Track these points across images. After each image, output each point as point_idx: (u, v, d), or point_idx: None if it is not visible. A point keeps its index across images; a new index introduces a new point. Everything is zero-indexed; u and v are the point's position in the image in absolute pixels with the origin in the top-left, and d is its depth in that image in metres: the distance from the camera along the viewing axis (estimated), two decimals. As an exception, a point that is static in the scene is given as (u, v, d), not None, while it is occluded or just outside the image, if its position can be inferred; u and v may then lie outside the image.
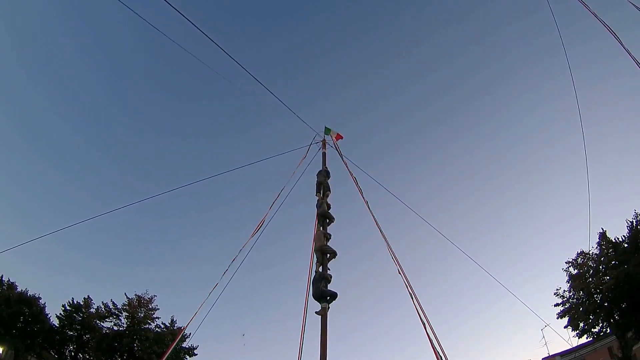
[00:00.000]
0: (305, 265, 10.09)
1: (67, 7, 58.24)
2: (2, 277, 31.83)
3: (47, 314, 32.45)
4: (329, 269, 9.22)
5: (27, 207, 58.41)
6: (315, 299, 8.68)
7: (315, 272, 9.17)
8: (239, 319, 55.76)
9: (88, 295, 33.39)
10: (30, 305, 31.29)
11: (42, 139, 63.13)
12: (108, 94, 67.73)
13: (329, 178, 11.00)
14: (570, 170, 56.39)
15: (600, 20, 10.60)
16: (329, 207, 10.54)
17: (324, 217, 10.32)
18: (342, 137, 12.14)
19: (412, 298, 8.26)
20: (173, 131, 72.72)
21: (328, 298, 8.61)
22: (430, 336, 7.72)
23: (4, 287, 31.51)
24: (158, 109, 71.57)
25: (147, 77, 70.71)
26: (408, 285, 8.46)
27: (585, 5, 10.59)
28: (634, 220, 27.58)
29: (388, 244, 8.81)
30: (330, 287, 8.83)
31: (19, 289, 31.84)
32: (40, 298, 32.36)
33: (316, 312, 8.52)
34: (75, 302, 32.79)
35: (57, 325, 32.33)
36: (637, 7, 9.51)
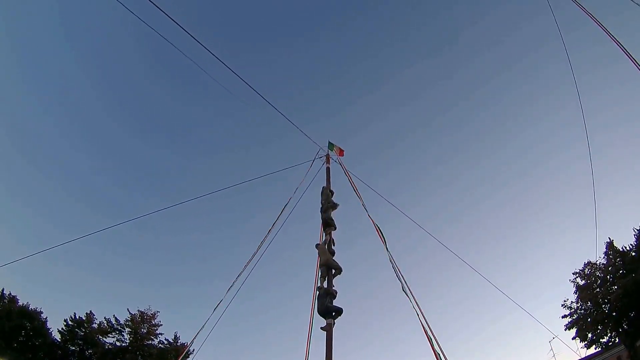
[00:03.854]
0: (310, 281, 9.98)
1: (77, 27, 58.86)
2: (3, 290, 31.72)
3: (49, 329, 32.21)
4: (334, 285, 9.09)
5: (29, 220, 58.32)
6: (321, 315, 8.55)
7: (320, 287, 9.05)
8: (243, 335, 55.16)
9: (90, 311, 33.15)
10: (32, 319, 31.13)
11: (43, 154, 63.13)
12: (112, 109, 67.94)
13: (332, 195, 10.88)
14: (576, 180, 56.11)
15: (600, 25, 10.58)
16: (335, 205, 10.39)
17: (328, 224, 10.20)
18: (343, 154, 12.03)
19: (417, 313, 8.13)
20: (176, 146, 72.79)
21: (333, 314, 8.48)
22: (437, 351, 7.59)
23: (5, 300, 31.35)
24: (162, 124, 71.80)
25: (150, 91, 70.97)
26: (413, 299, 8.33)
27: (586, 11, 10.59)
28: (642, 229, 27.40)
29: (392, 259, 8.67)
30: (335, 302, 8.70)
31: (20, 303, 31.72)
32: (41, 312, 32.19)
33: (321, 328, 8.39)
34: (77, 317, 32.54)
35: (59, 340, 32.06)
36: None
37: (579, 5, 10.56)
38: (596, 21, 10.67)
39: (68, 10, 55.79)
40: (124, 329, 32.43)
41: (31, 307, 31.94)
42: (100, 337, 32.20)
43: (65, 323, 32.38)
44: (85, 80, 64.09)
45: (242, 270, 10.06)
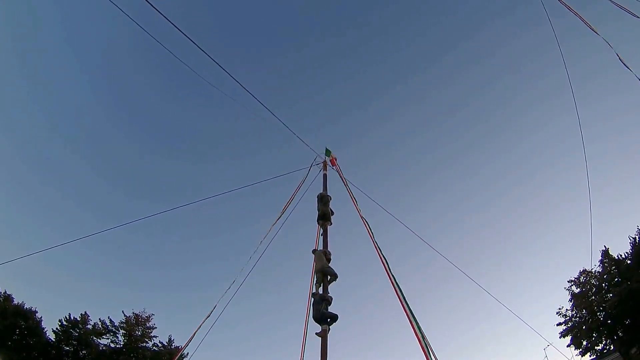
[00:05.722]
0: (305, 288, 9.98)
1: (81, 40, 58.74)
2: (-2, 289, 31.66)
3: (43, 328, 32.18)
4: (329, 292, 9.09)
5: (25, 222, 57.91)
6: (316, 321, 8.54)
7: (315, 294, 9.04)
8: (238, 340, 54.81)
9: (85, 311, 33.15)
10: (27, 318, 31.07)
11: (39, 156, 62.74)
12: (108, 112, 67.56)
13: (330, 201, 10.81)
14: (572, 188, 56.38)
15: (598, 34, 10.65)
16: (331, 212, 10.39)
17: (324, 218, 10.18)
18: (335, 162, 11.80)
19: (410, 321, 8.11)
20: (173, 152, 72.33)
21: (328, 320, 8.47)
22: (431, 358, 7.57)
23: (0, 298, 31.29)
24: (158, 129, 71.42)
25: (147, 96, 70.67)
26: (406, 307, 8.31)
27: (584, 21, 10.68)
28: (637, 237, 27.51)
29: (387, 268, 8.66)
30: (330, 309, 8.70)
31: (15, 302, 31.63)
32: (36, 312, 32.18)
33: (316, 334, 8.38)
34: (72, 318, 32.49)
35: (54, 340, 31.99)
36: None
37: (577, 14, 10.66)
38: (594, 30, 10.77)
39: (74, 20, 56.17)
40: (119, 331, 32.42)
41: (26, 306, 31.91)
42: (94, 338, 32.15)
43: (59, 323, 32.34)
44: (88, 86, 64.22)
45: (237, 275, 10.08)
